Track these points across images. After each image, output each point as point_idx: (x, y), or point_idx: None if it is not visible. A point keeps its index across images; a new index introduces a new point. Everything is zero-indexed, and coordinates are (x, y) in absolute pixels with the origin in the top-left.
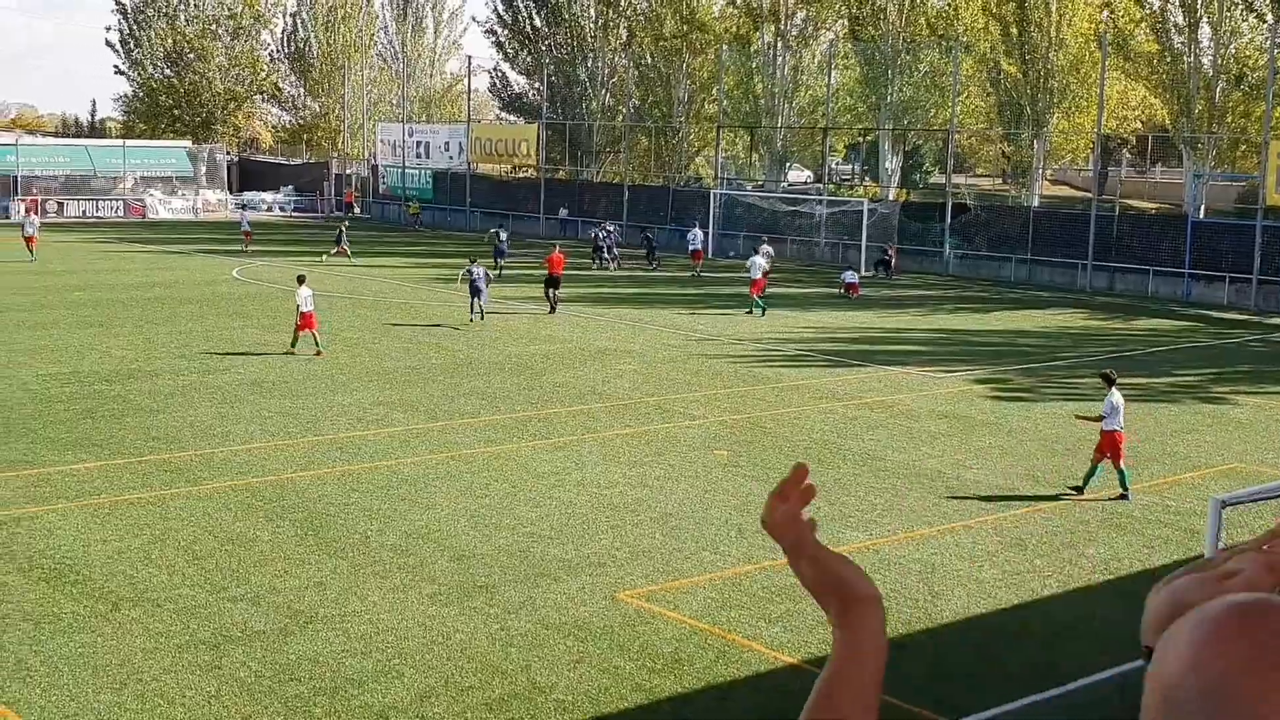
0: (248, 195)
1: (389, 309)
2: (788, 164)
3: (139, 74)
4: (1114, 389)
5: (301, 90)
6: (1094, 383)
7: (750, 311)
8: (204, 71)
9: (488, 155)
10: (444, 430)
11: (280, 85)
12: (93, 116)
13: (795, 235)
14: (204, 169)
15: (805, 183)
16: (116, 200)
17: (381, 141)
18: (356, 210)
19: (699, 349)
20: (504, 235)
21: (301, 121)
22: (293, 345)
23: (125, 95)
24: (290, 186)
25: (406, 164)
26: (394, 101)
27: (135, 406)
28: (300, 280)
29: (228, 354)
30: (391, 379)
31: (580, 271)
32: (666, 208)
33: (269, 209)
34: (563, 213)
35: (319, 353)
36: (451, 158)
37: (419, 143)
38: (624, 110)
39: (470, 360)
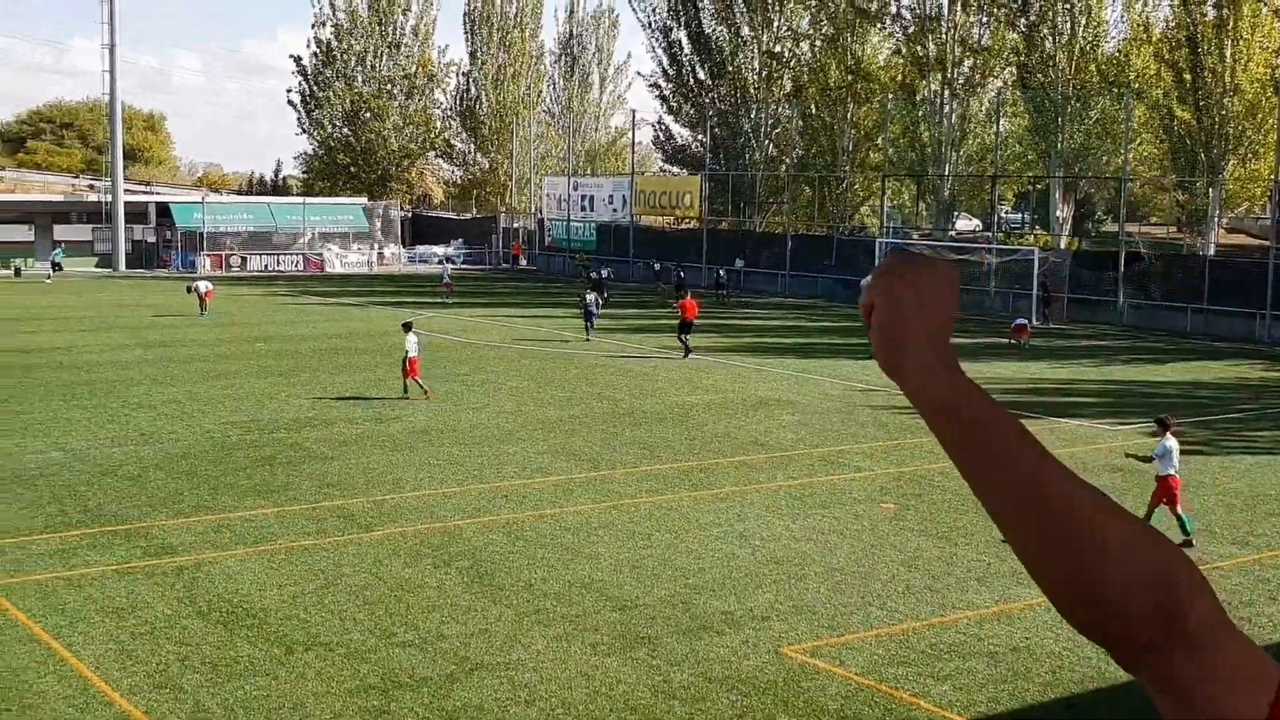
0: (421, 249)
1: (551, 360)
2: (955, 212)
3: (319, 133)
4: (1169, 435)
5: (471, 147)
6: (1273, 435)
7: None
8: (379, 130)
9: (651, 207)
10: (606, 479)
11: (451, 142)
12: (276, 175)
13: (963, 285)
14: (379, 224)
15: (973, 231)
16: (296, 255)
17: (547, 195)
18: (523, 262)
19: (864, 400)
20: (605, 272)
21: (471, 177)
22: (405, 391)
23: (305, 154)
24: (460, 240)
25: (571, 217)
26: (560, 156)
27: (311, 454)
28: (406, 328)
29: (399, 403)
30: (555, 428)
31: (740, 319)
32: (830, 257)
33: (440, 261)
34: (739, 263)
35: (427, 393)
36: (615, 210)
37: (584, 196)
38: (787, 160)
39: (631, 410)
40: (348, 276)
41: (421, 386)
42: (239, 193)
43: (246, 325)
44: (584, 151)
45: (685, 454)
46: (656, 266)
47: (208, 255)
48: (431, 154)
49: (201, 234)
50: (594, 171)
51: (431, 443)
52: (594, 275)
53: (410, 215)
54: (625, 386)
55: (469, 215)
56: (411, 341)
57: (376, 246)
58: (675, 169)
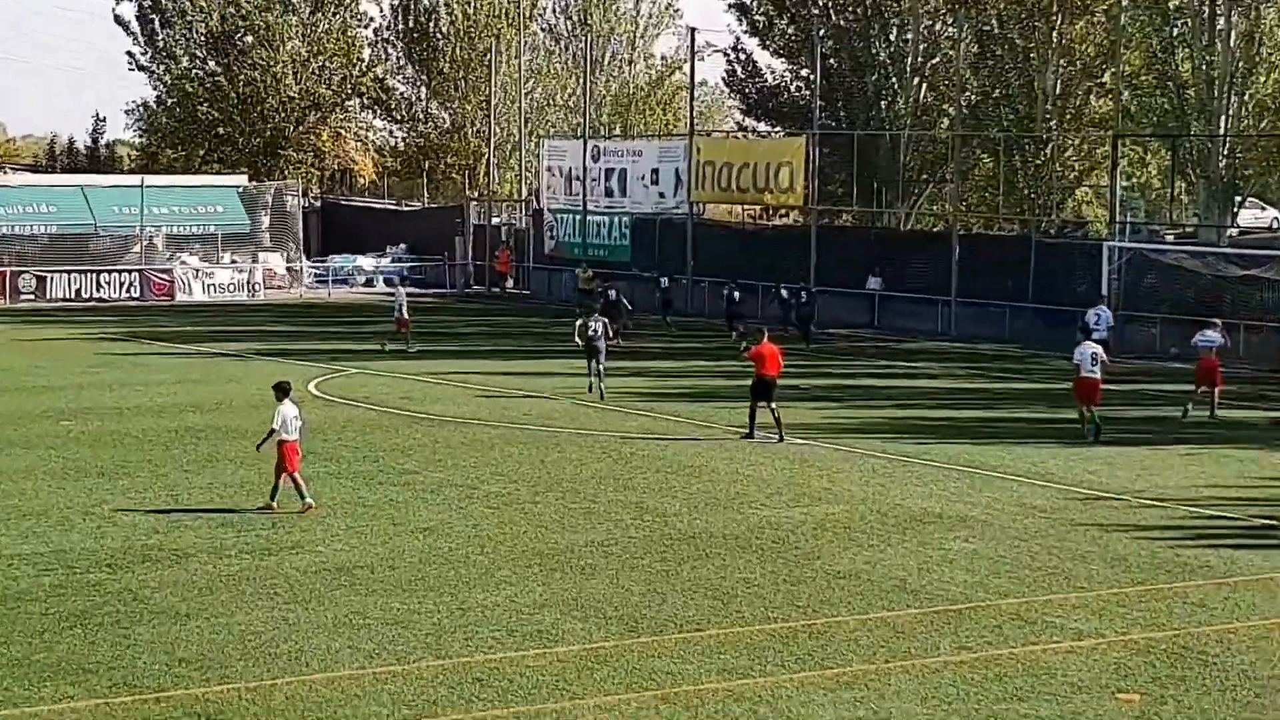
0: (339, 261)
1: (556, 446)
2: (1238, 198)
3: (167, 70)
4: None
5: (422, 91)
6: None
7: (1185, 414)
8: (268, 63)
9: (723, 189)
10: (650, 651)
11: (389, 83)
12: (94, 141)
13: (1253, 317)
14: (266, 219)
15: (1273, 228)
16: (129, 271)
17: (549, 170)
18: (509, 284)
19: (1086, 513)
20: (614, 294)
21: (422, 141)
22: (271, 496)
23: (144, 104)
24: (401, 246)
25: (589, 205)
26: (570, 105)
27: (153, 608)
28: (281, 393)
29: (300, 521)
30: (562, 562)
31: (872, 376)
32: (1027, 270)
33: (367, 281)
34: (874, 284)
35: (307, 506)
36: (662, 195)
37: (608, 170)
38: (952, 111)
39: (691, 531)
40: (215, 307)
41: (300, 491)
42: (34, 169)
43: (44, 391)
44: (610, 98)
45: (783, 607)
46: (611, 294)
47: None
48: (355, 103)
49: None
50: (627, 131)
51: (356, 588)
52: (609, 295)
53: (320, 205)
54: (679, 490)
55: (417, 205)
56: (287, 415)
57: (263, 258)
58: (763, 126)
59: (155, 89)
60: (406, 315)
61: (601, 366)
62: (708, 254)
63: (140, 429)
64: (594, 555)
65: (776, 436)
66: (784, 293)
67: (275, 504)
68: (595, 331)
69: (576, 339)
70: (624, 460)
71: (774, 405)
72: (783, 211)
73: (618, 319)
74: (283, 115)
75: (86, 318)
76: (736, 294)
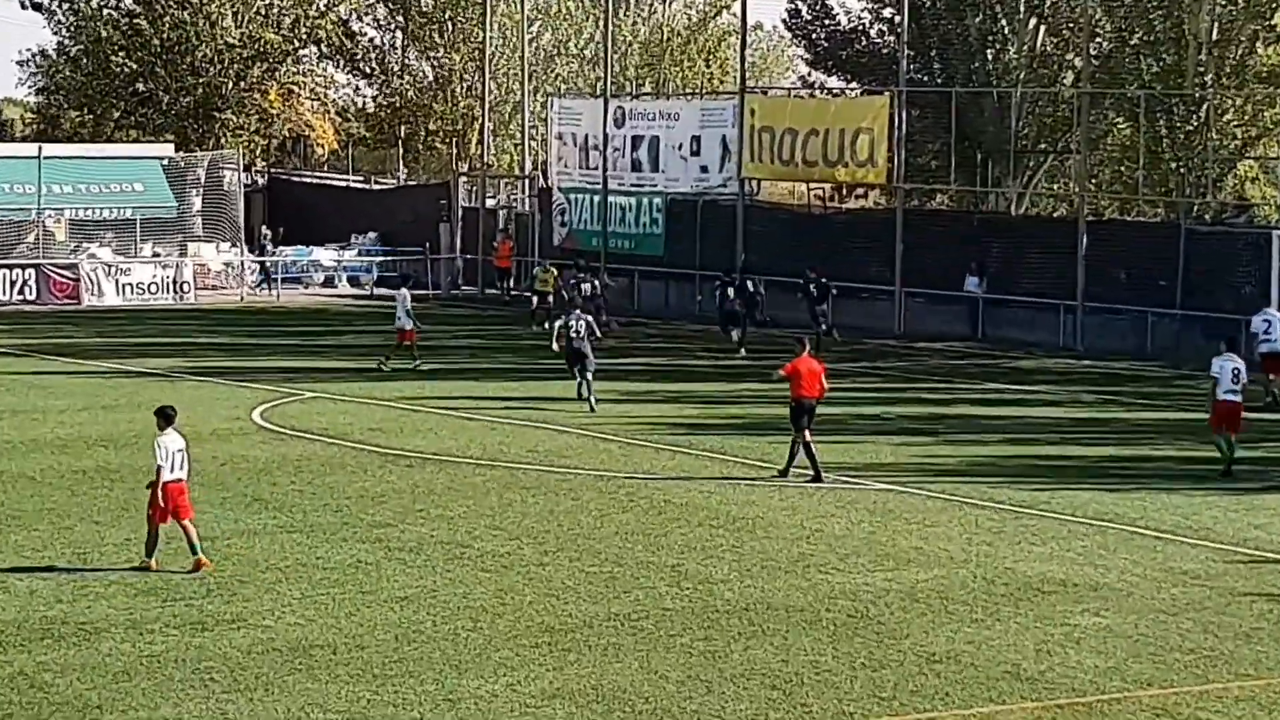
0: (292, 253)
1: (569, 492)
2: None
3: (71, 8)
4: None
5: (397, 37)
6: None
7: None
8: (201, 1)
9: (785, 162)
10: None
11: (353, 26)
12: None
13: None
14: (197, 201)
15: None
16: (21, 267)
17: (559, 138)
18: (509, 285)
19: (1252, 580)
20: (589, 287)
21: (397, 101)
22: (148, 552)
23: (41, 53)
24: (371, 235)
25: (611, 183)
26: (586, 55)
27: (55, 698)
28: (164, 420)
29: (239, 586)
30: (577, 640)
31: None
32: (1175, 267)
33: (327, 280)
34: (975, 284)
35: (200, 563)
36: (705, 168)
37: (636, 137)
38: (1077, 64)
39: (742, 601)
40: (133, 313)
41: (191, 543)
42: None
43: None
44: (638, 45)
45: (861, 699)
46: (586, 288)
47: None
48: (312, 53)
49: None
50: (660, 88)
51: (314, 672)
52: (584, 289)
53: (267, 182)
54: (727, 550)
55: (390, 182)
56: (168, 448)
57: (194, 250)
58: (835, 81)
59: (55, 33)
60: (410, 324)
61: (590, 373)
62: (761, 246)
63: (38, 469)
64: (619, 632)
65: (812, 475)
66: (812, 289)
67: (154, 562)
68: (578, 331)
69: (554, 345)
70: (656, 510)
71: (810, 436)
72: (859, 191)
73: (604, 314)
74: (219, 67)
75: None
76: (731, 290)
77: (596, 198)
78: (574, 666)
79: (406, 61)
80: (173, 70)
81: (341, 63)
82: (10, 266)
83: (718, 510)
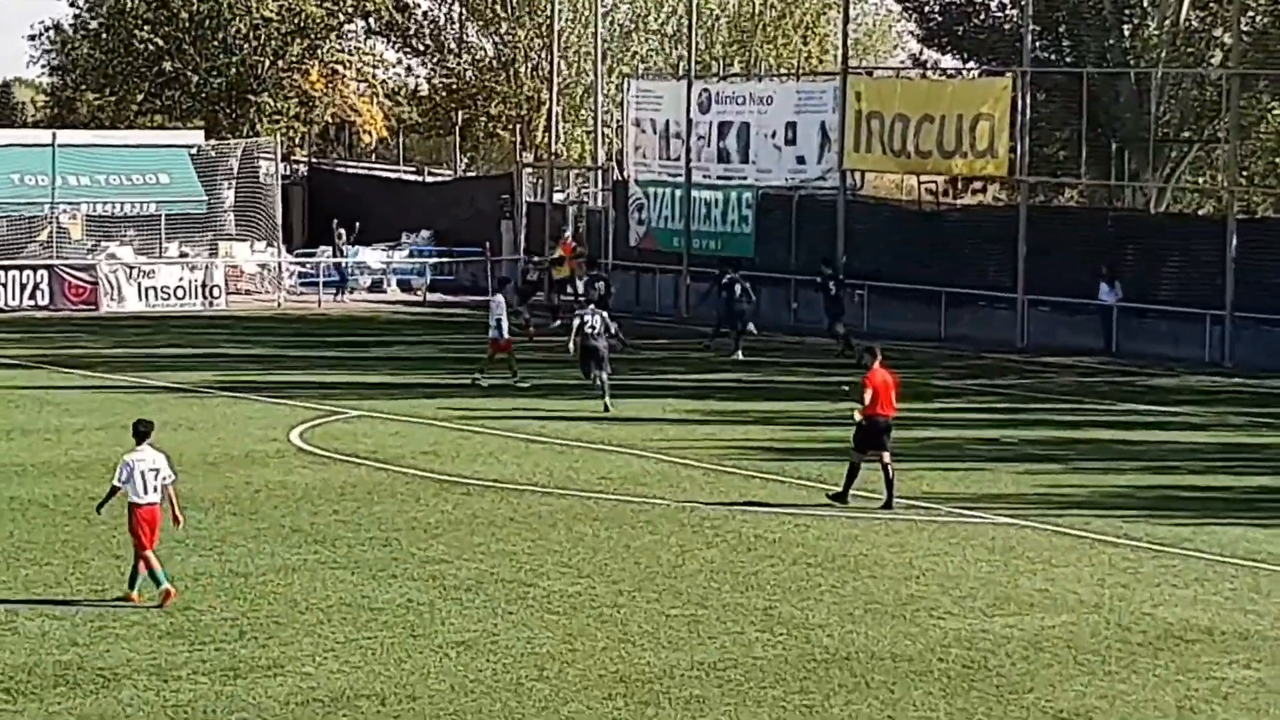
0: (325, 253)
1: (645, 524)
2: None
3: None
4: None
5: (454, 11)
6: None
7: None
8: None
9: (896, 153)
10: None
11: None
12: None
13: None
14: (229, 194)
15: None
16: (33, 269)
17: (637, 124)
18: (578, 286)
19: None
20: (604, 286)
21: (455, 83)
22: (130, 585)
23: (56, 27)
24: (424, 233)
25: (695, 175)
26: (666, 31)
27: None
28: (139, 435)
29: (276, 628)
30: (656, 691)
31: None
32: None
33: (375, 284)
34: (1109, 294)
35: (168, 594)
36: (801, 159)
37: (723, 124)
38: (1227, 40)
39: (843, 649)
40: (157, 320)
41: (153, 573)
42: None
43: None
44: (725, 20)
45: None
46: (601, 286)
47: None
48: (359, 28)
49: None
50: (750, 68)
51: None
52: (598, 287)
53: (308, 173)
54: (826, 591)
55: (446, 174)
56: (140, 468)
57: (226, 249)
58: (949, 61)
59: (72, 4)
60: (508, 334)
61: (605, 373)
62: (864, 246)
63: (51, 495)
64: (703, 683)
65: (884, 499)
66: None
67: (172, 589)
68: (594, 328)
69: (570, 346)
70: (745, 546)
71: (888, 457)
72: (976, 185)
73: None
74: (254, 44)
75: None
76: (739, 286)
77: (678, 192)
78: None
79: (465, 38)
80: (203, 47)
81: (392, 39)
82: (21, 268)
83: (815, 546)
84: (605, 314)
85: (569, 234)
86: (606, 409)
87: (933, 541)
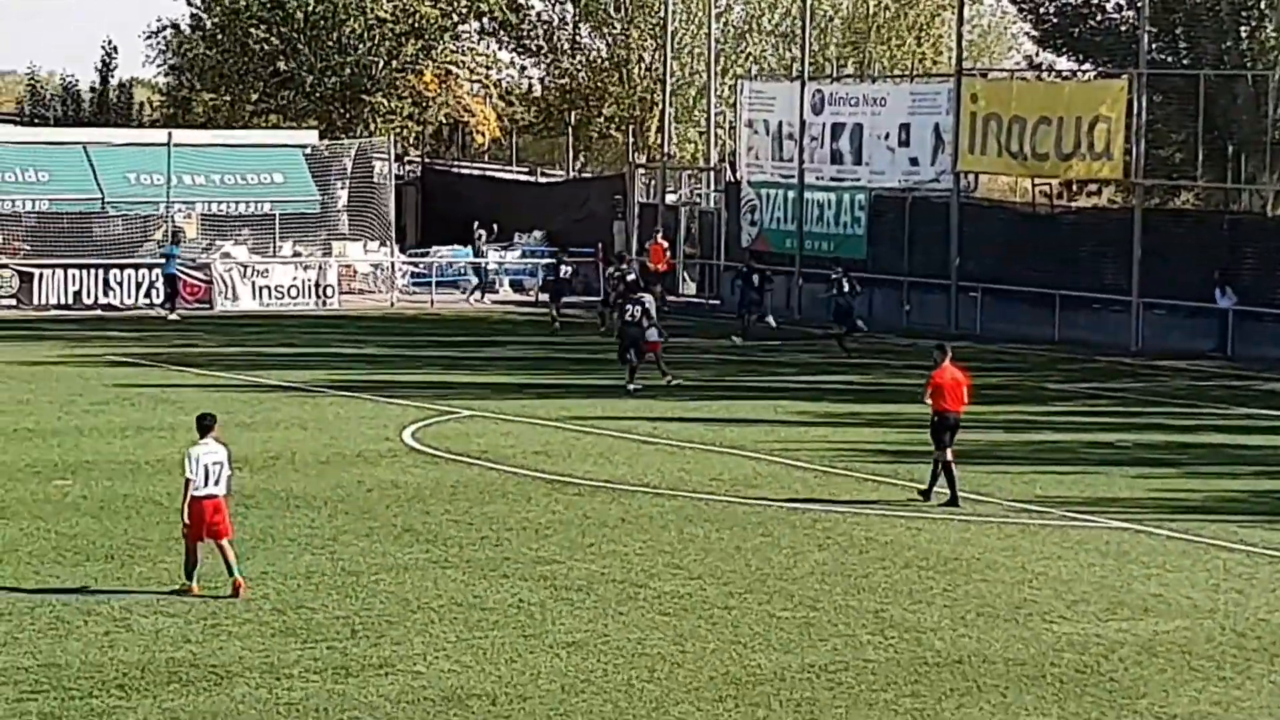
0: (446, 253)
1: (756, 523)
2: None
3: None
4: None
5: (567, 12)
6: None
7: None
8: None
9: (1013, 155)
10: None
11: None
12: (103, 78)
13: None
14: (343, 194)
15: None
16: (149, 267)
17: (750, 125)
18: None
19: None
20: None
21: (568, 84)
22: (188, 574)
23: (173, 27)
24: (537, 233)
25: (807, 176)
26: (781, 32)
27: None
28: (204, 428)
29: (388, 627)
30: (767, 694)
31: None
32: None
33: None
34: (1222, 297)
35: (239, 584)
36: (915, 160)
37: (837, 125)
38: None
39: (956, 653)
40: (270, 319)
41: (228, 563)
42: (18, 121)
43: (29, 438)
44: (840, 21)
45: None
46: (630, 275)
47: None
48: (473, 28)
49: None
50: (864, 69)
51: None
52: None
53: (421, 174)
54: (938, 594)
55: (558, 175)
56: (201, 460)
57: (339, 249)
58: (1064, 63)
59: (189, 5)
60: (658, 334)
61: (639, 361)
62: (978, 249)
63: (165, 493)
64: (814, 686)
65: (948, 495)
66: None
67: (196, 586)
68: (633, 316)
69: (602, 324)
70: (857, 548)
71: (950, 454)
72: (1090, 188)
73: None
74: (368, 45)
75: (89, 332)
76: (756, 276)
77: (791, 193)
78: None
79: (578, 39)
80: (317, 48)
81: (505, 40)
82: (136, 267)
83: (927, 549)
84: (646, 305)
85: (659, 236)
86: (629, 391)
87: (1046, 545)
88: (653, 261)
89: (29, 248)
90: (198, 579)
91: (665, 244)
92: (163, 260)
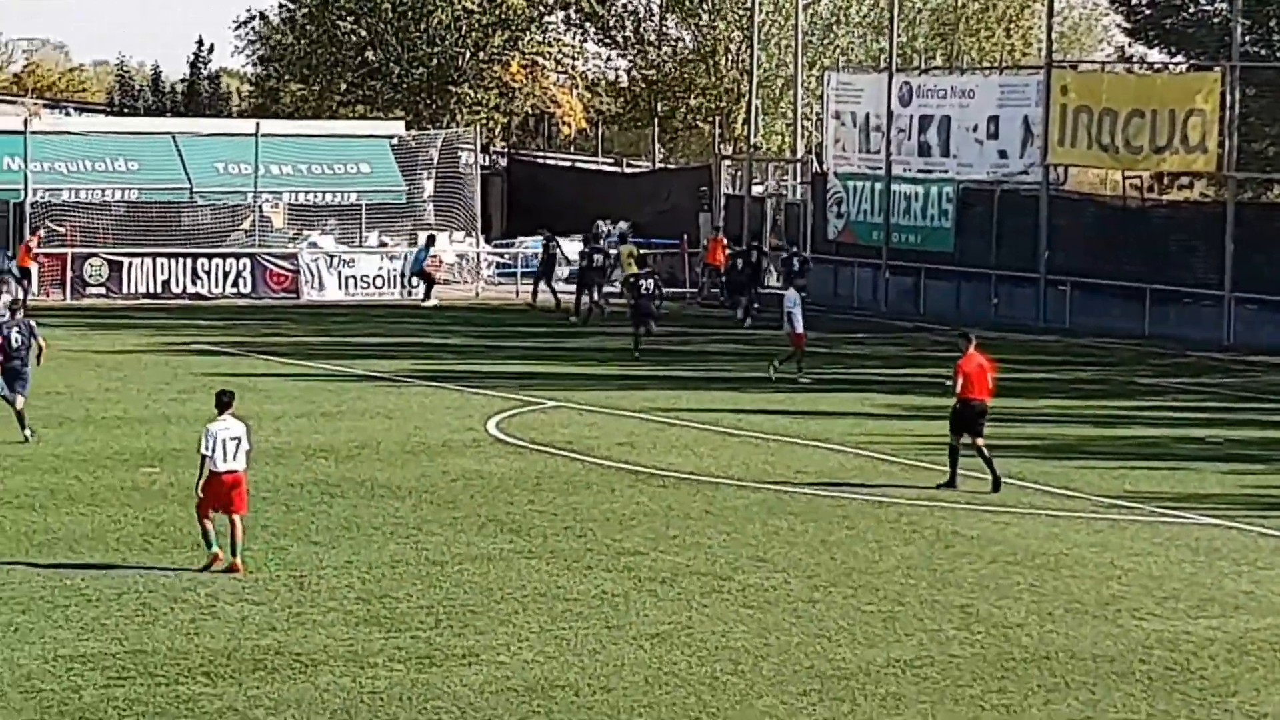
0: (530, 244)
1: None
2: None
3: None
4: None
5: (654, 2)
6: None
7: None
8: None
9: (1104, 147)
10: None
11: None
12: (194, 71)
13: None
14: (429, 184)
15: None
16: (236, 257)
17: (837, 117)
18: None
19: None
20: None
21: (654, 75)
22: (209, 545)
23: (261, 16)
24: (622, 225)
25: (895, 169)
26: (868, 24)
27: None
28: (223, 405)
29: (472, 617)
30: (852, 688)
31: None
32: None
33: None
34: None
35: (235, 566)
36: (1003, 153)
37: (924, 117)
38: None
39: (1042, 648)
40: (356, 309)
41: (234, 541)
42: (108, 112)
43: (118, 425)
44: (928, 12)
45: None
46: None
47: (31, 254)
48: (559, 19)
49: (19, 206)
50: (952, 61)
51: (554, 715)
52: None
53: (507, 164)
54: (1025, 589)
55: (644, 165)
56: (218, 436)
57: (425, 237)
58: (1155, 55)
59: None
60: (801, 326)
61: (650, 327)
62: (1067, 242)
63: (251, 481)
64: (899, 680)
65: (990, 484)
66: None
67: (220, 553)
68: (648, 290)
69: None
70: (943, 542)
71: (982, 442)
72: (1182, 181)
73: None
74: (455, 35)
75: (177, 321)
76: (740, 260)
77: (878, 185)
78: (848, 718)
79: (665, 30)
80: (405, 38)
81: (591, 31)
82: (224, 256)
83: (1015, 544)
84: (656, 282)
85: (720, 233)
86: (635, 357)
87: (1135, 541)
88: (709, 257)
89: (63, 230)
90: (217, 545)
91: (724, 240)
92: (412, 260)
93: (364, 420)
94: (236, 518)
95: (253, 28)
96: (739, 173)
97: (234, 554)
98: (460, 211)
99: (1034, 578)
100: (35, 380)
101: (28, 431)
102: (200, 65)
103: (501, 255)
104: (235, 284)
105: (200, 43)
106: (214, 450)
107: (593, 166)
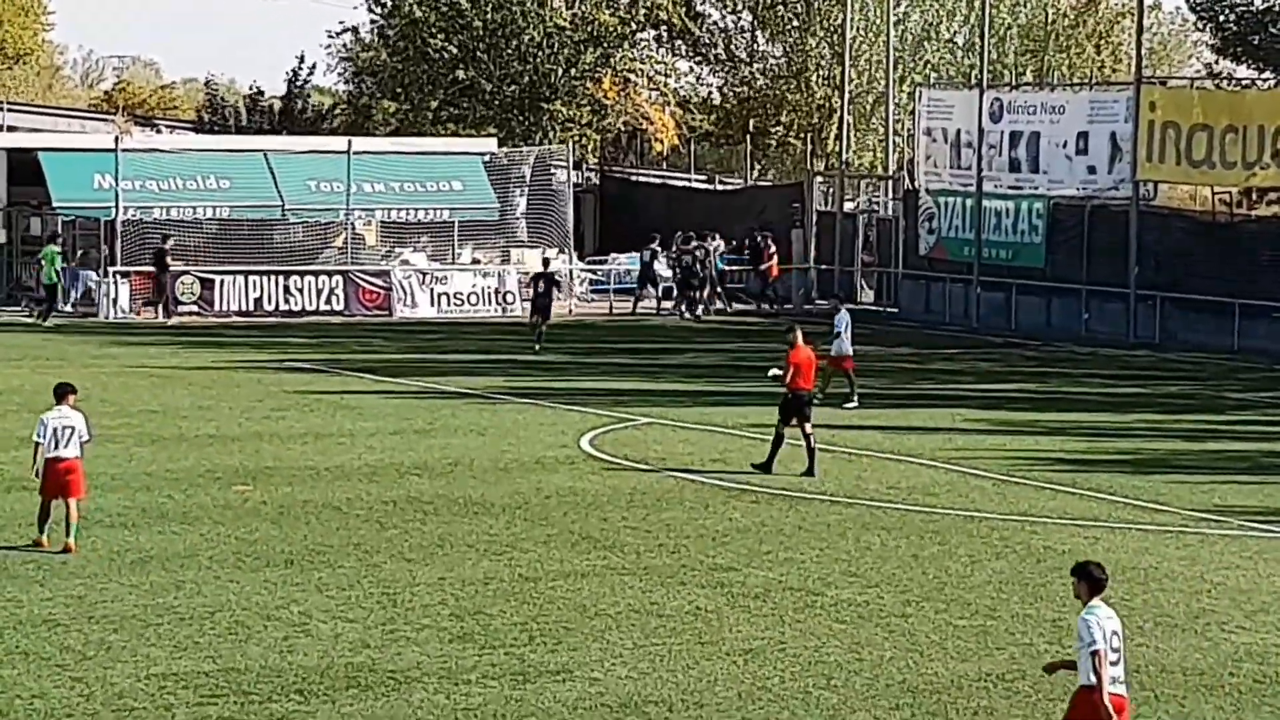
0: (626, 260)
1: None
2: None
3: None
4: None
5: (747, 19)
6: None
7: None
8: None
9: (1195, 163)
10: None
11: (697, 7)
12: (290, 89)
13: None
14: (522, 201)
15: None
16: (329, 274)
17: (928, 133)
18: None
19: None
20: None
21: (746, 92)
22: (40, 528)
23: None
24: (715, 241)
25: (986, 185)
26: (959, 41)
27: None
28: (57, 395)
29: (565, 633)
30: (944, 702)
31: None
32: None
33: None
34: None
35: (69, 547)
36: (1093, 169)
37: (1015, 133)
38: None
39: (1132, 661)
40: (449, 326)
41: (68, 522)
42: (198, 129)
43: (210, 443)
44: (1018, 30)
45: None
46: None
47: (124, 273)
48: (651, 37)
49: (110, 224)
50: (1042, 78)
51: None
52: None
53: (599, 181)
54: (1115, 603)
55: (736, 182)
56: (51, 424)
57: (518, 256)
58: (1243, 71)
59: (370, 11)
60: (850, 348)
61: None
62: (1157, 257)
63: (344, 498)
64: (991, 695)
65: (806, 466)
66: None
67: (44, 539)
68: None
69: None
70: (1034, 557)
71: (809, 428)
72: (1271, 196)
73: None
74: (547, 52)
75: (269, 339)
76: (690, 260)
77: (969, 201)
78: None
79: (756, 47)
80: (497, 56)
81: (684, 48)
82: (316, 273)
83: (1105, 558)
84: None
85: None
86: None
87: (1224, 555)
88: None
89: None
90: (47, 533)
91: (773, 249)
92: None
93: (456, 437)
94: (72, 502)
95: (344, 44)
96: (830, 189)
97: (68, 534)
98: (553, 228)
99: (1124, 591)
100: (127, 399)
101: None
102: (298, 84)
103: (594, 271)
104: (328, 301)
105: (301, 59)
106: (46, 438)
107: (685, 183)
